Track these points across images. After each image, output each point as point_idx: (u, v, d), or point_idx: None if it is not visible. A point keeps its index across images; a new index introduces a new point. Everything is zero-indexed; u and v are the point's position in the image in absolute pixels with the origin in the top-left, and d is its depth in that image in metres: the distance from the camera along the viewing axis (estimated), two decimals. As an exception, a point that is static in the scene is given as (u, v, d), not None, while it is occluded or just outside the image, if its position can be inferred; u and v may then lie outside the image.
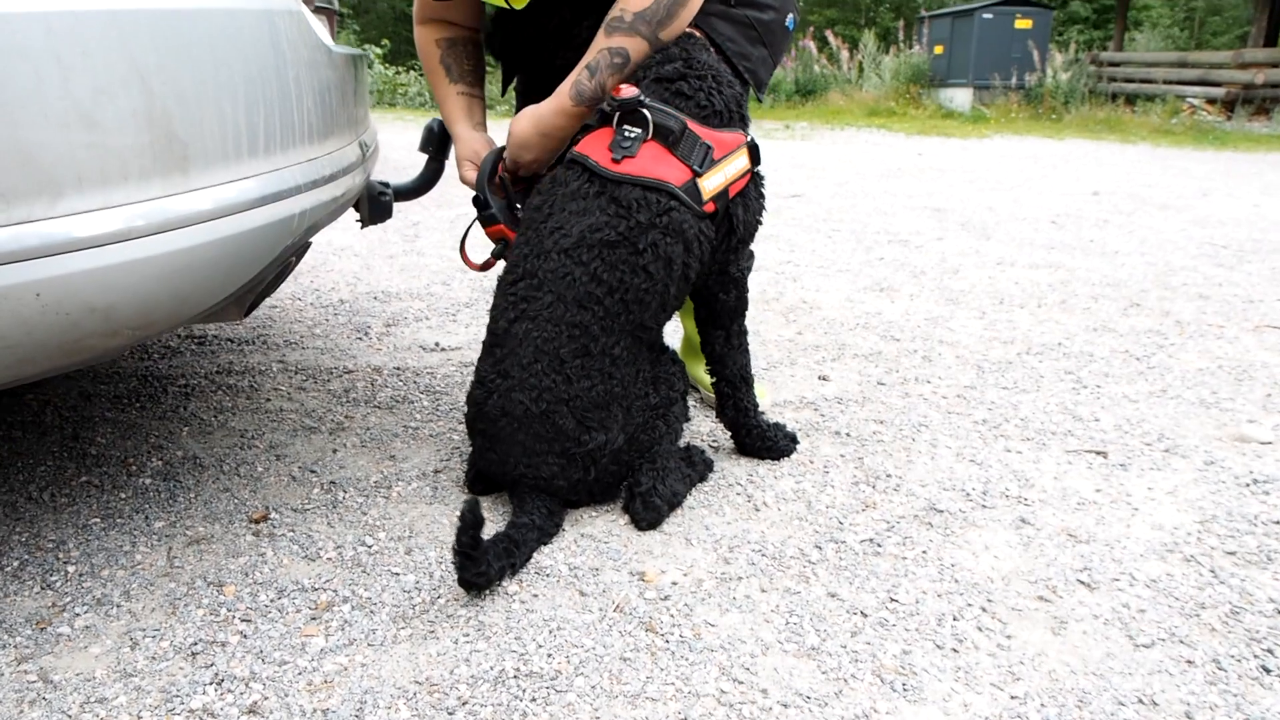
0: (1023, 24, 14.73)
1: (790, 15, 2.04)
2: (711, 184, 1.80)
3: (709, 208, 1.80)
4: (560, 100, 1.87)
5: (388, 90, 15.65)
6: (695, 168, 1.77)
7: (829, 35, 17.54)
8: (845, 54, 16.66)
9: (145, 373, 2.56)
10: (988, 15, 14.64)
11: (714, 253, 1.89)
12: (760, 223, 1.96)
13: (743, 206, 1.88)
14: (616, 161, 1.75)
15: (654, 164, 1.76)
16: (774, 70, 2.07)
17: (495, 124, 1.96)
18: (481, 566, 1.48)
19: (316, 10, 4.74)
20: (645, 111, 1.77)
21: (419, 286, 3.67)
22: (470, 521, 1.43)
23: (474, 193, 2.00)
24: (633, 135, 1.77)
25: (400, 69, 16.84)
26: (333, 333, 3.00)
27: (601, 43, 1.82)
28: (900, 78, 15.30)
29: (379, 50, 17.00)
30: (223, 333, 2.95)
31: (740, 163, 1.85)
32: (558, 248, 1.74)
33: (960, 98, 14.49)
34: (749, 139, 1.88)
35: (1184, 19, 29.79)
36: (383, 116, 12.24)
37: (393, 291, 3.57)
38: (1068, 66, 14.19)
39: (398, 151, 7.48)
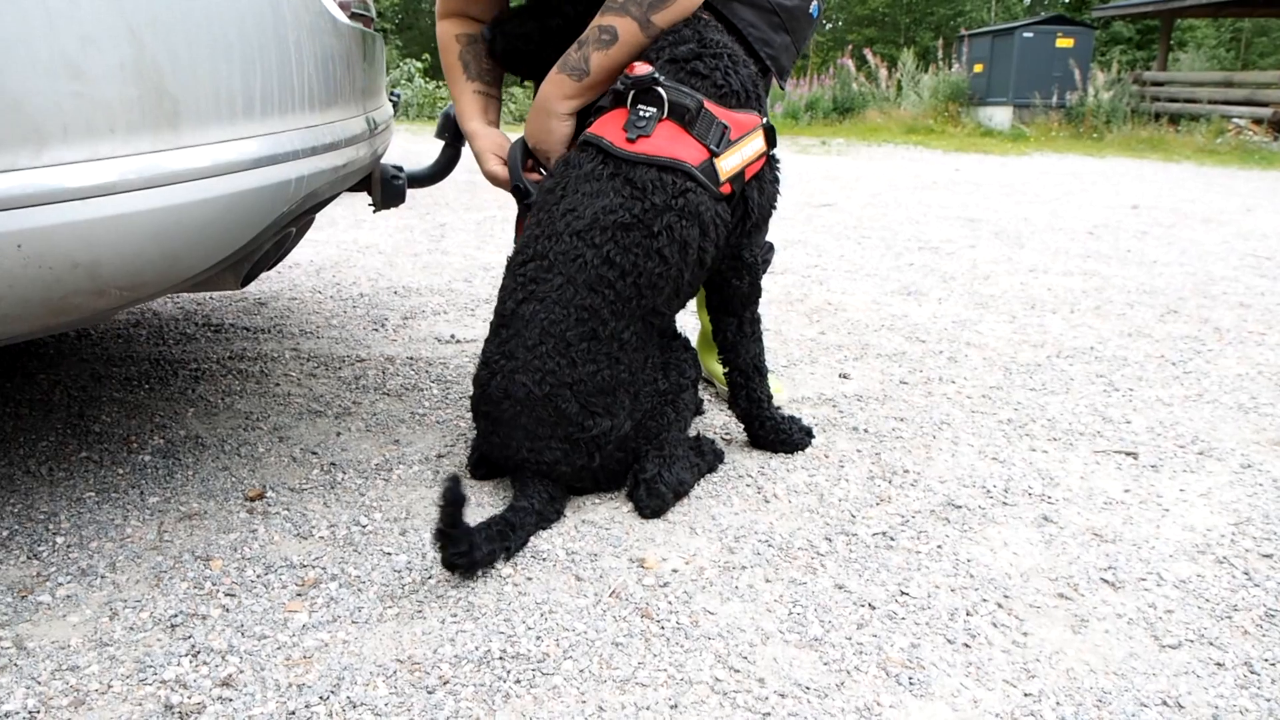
0: (1064, 43, 14.58)
1: (815, 2, 1.99)
2: (728, 165, 1.74)
3: (725, 189, 1.75)
4: (550, 72, 1.85)
5: (427, 104, 15.79)
6: (712, 148, 1.72)
7: (868, 54, 17.46)
8: (884, 72, 16.57)
9: (158, 356, 2.54)
10: (1028, 34, 14.52)
11: (729, 236, 1.83)
12: (775, 207, 1.90)
13: (758, 189, 1.83)
14: (631, 141, 1.70)
15: (670, 143, 1.70)
16: (797, 58, 2.02)
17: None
18: (463, 547, 1.43)
19: (354, 16, 4.75)
20: (660, 90, 1.72)
21: (440, 283, 3.64)
22: (450, 500, 1.38)
23: (511, 183, 1.95)
24: (648, 115, 1.72)
25: (440, 84, 16.99)
26: (349, 324, 2.98)
27: (594, 21, 1.80)
28: (939, 96, 15.19)
29: (420, 65, 17.17)
30: (239, 321, 2.93)
31: (756, 144, 1.79)
32: (570, 230, 1.69)
33: (1000, 116, 14.35)
34: (765, 120, 1.82)
35: (1230, 39, 29.41)
36: (421, 129, 12.33)
37: (414, 287, 3.55)
38: (1110, 85, 14.01)
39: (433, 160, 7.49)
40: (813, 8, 2.00)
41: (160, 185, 1.26)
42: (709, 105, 1.74)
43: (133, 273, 1.29)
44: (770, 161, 1.85)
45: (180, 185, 1.28)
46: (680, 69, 1.77)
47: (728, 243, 1.84)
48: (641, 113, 1.72)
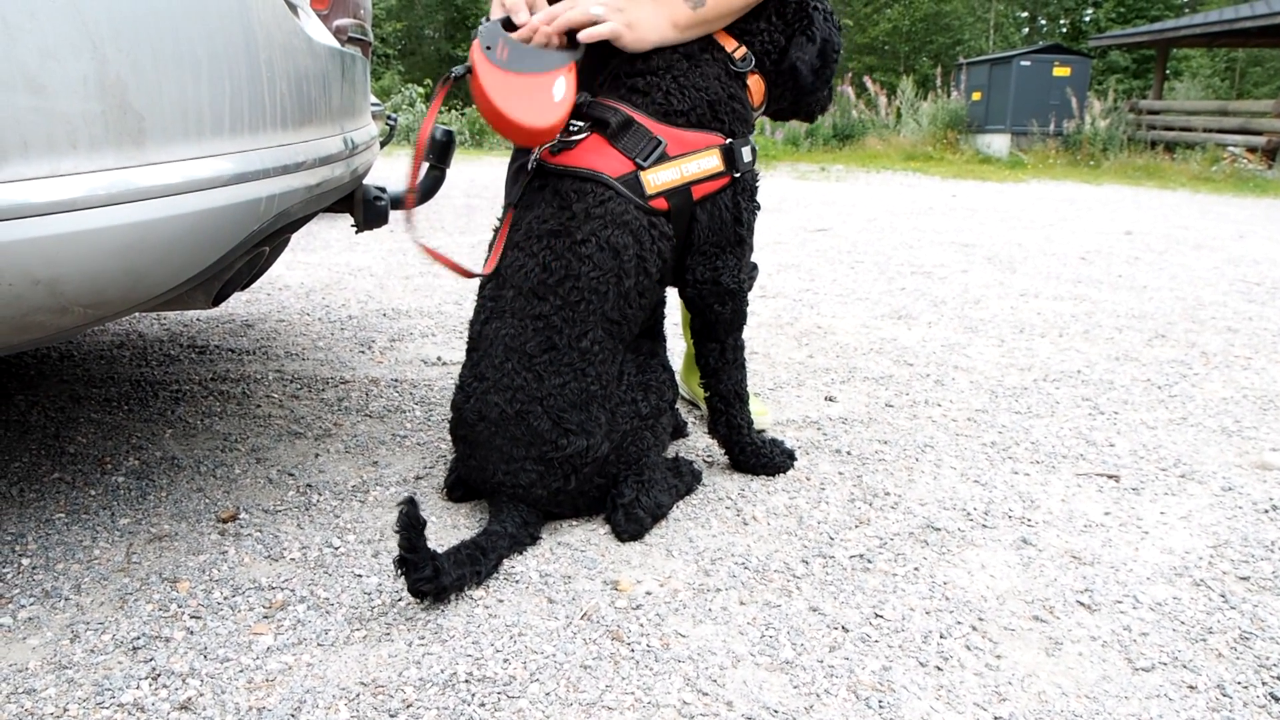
0: (1061, 71, 14.66)
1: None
2: (660, 178, 1.74)
3: (659, 204, 1.74)
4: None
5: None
6: (638, 161, 1.72)
7: (868, 81, 17.58)
8: (883, 100, 16.67)
9: (139, 378, 2.53)
10: (1026, 63, 14.59)
11: (679, 254, 1.83)
12: (739, 234, 1.85)
13: (709, 211, 1.81)
14: (554, 154, 1.74)
15: (589, 155, 1.73)
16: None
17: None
18: (426, 571, 1.41)
19: (350, 40, 4.73)
20: (585, 106, 1.76)
21: (430, 305, 3.64)
22: (406, 523, 1.36)
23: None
24: (574, 128, 1.75)
25: (442, 109, 17.11)
26: (336, 346, 2.97)
27: None
28: (938, 123, 15.25)
29: (421, 90, 17.31)
30: (225, 342, 2.92)
31: (706, 163, 1.78)
32: (511, 243, 1.74)
33: (998, 144, 14.41)
34: (726, 141, 1.80)
35: (1224, 69, 29.63)
36: (419, 152, 12.35)
37: (403, 309, 3.55)
38: (1106, 114, 14.07)
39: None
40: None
41: (125, 202, 1.25)
42: (644, 120, 1.75)
43: (96, 290, 1.28)
44: (735, 184, 1.82)
45: (146, 202, 1.27)
46: (622, 85, 1.80)
47: (679, 262, 1.84)
48: (570, 128, 1.75)
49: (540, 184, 1.76)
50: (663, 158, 1.74)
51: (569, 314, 1.68)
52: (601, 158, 1.72)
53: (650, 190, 1.73)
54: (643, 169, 1.72)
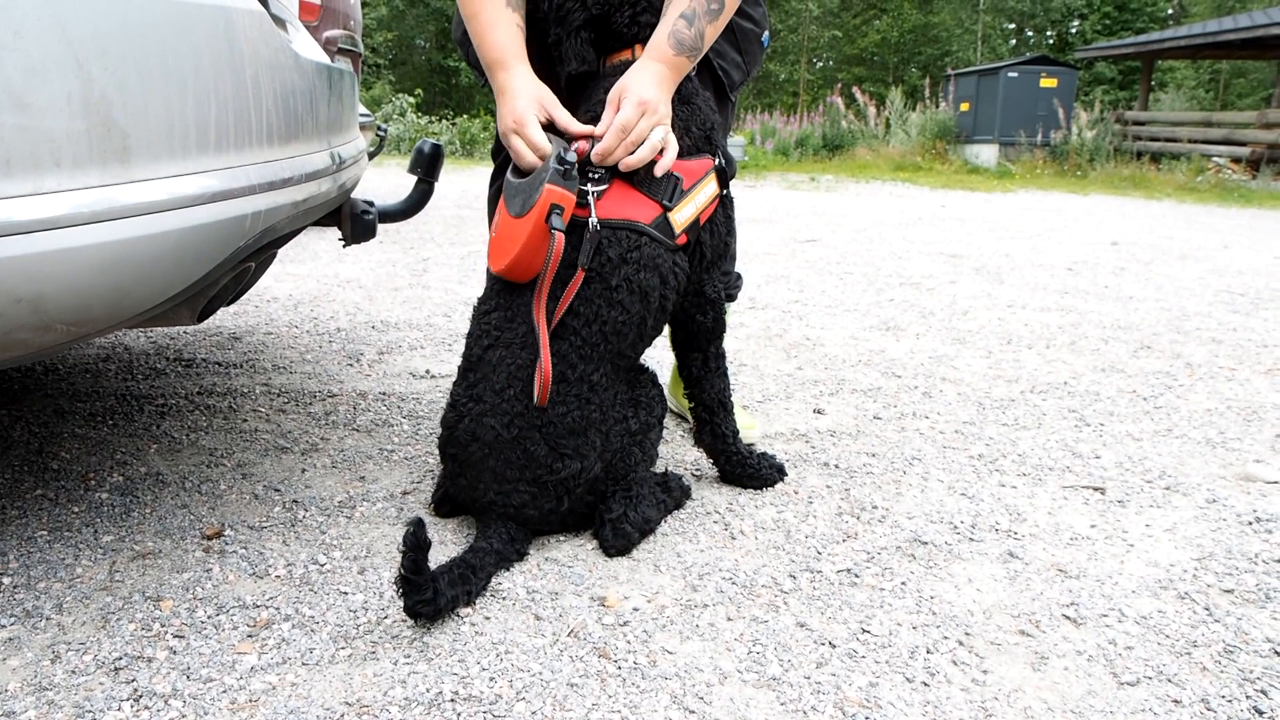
0: (1048, 83, 14.77)
1: (766, 32, 2.05)
2: (683, 216, 1.74)
3: (682, 240, 1.75)
4: (661, 53, 1.70)
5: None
6: (664, 203, 1.72)
7: (857, 92, 17.67)
8: (872, 110, 16.77)
9: (125, 392, 2.52)
10: (1013, 74, 14.70)
11: (687, 280, 1.84)
12: (729, 244, 1.89)
13: (710, 231, 1.82)
14: (583, 208, 1.68)
15: (620, 205, 1.70)
16: (746, 79, 2.05)
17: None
18: (427, 594, 1.40)
19: (340, 52, 4.71)
20: None
21: (420, 318, 3.63)
22: (413, 544, 1.35)
23: (553, 152, 1.64)
24: (596, 176, 1.70)
25: (432, 119, 17.14)
26: (324, 359, 2.96)
27: None
28: (926, 134, 15.35)
29: (412, 100, 17.31)
30: (211, 356, 2.91)
31: (710, 189, 1.79)
32: (529, 284, 1.69)
33: (986, 154, 14.49)
34: (717, 162, 1.81)
35: (1209, 81, 29.88)
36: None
37: (392, 322, 3.54)
38: (1093, 125, 14.18)
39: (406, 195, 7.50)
40: (764, 36, 2.05)
41: (109, 219, 1.25)
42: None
43: (79, 308, 1.28)
44: (723, 201, 1.85)
45: (130, 220, 1.27)
46: None
47: (687, 285, 1.85)
48: (591, 175, 1.70)
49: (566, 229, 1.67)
50: (681, 194, 1.74)
51: (587, 351, 1.67)
52: (632, 205, 1.70)
53: (677, 230, 1.73)
54: (670, 210, 1.72)
